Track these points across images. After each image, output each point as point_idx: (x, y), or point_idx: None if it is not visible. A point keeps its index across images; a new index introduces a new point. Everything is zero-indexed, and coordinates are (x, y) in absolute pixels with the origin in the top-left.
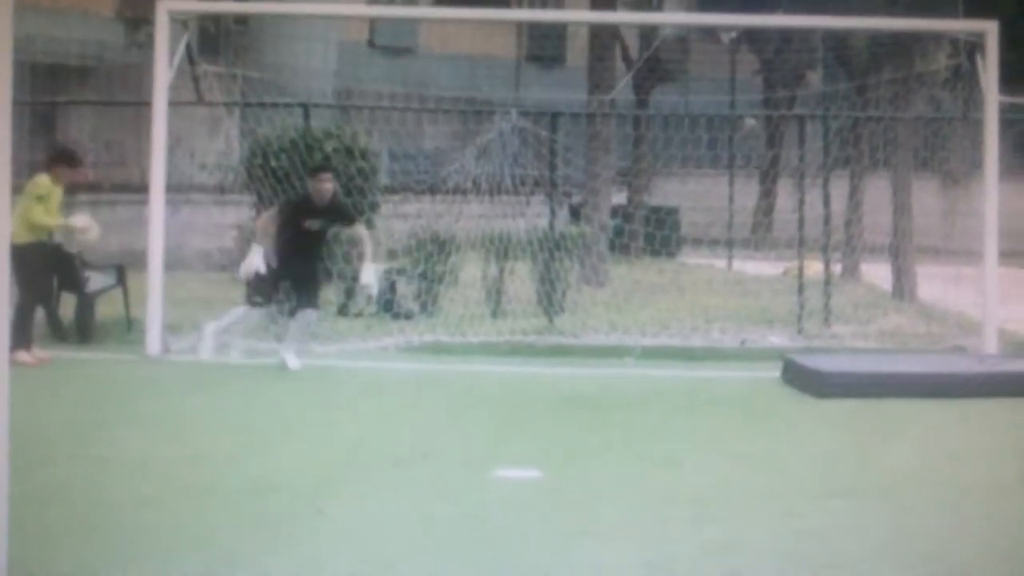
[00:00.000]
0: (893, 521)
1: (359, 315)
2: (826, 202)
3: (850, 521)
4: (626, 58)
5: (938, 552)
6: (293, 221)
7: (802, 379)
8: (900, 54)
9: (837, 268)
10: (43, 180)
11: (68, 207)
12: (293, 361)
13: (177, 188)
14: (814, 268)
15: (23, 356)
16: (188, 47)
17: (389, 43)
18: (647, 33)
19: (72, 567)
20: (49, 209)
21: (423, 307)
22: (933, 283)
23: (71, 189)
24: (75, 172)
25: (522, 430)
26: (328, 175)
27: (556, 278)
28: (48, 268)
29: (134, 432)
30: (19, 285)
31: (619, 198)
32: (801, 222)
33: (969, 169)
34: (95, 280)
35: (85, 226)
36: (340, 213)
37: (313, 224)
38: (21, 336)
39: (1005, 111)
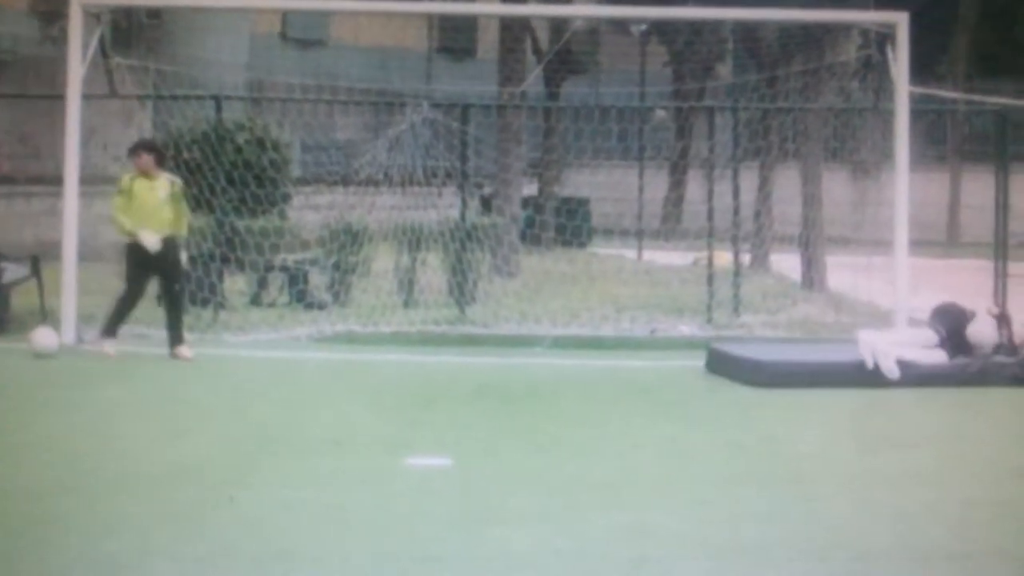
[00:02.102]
0: (802, 508)
1: (271, 305)
2: (736, 193)
3: (759, 508)
4: (537, 50)
5: (844, 540)
6: None
7: (731, 368)
8: (810, 45)
9: (746, 258)
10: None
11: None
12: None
13: (91, 180)
14: (723, 258)
15: None
16: (101, 40)
17: (300, 35)
18: (558, 25)
19: None
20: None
21: (335, 297)
22: (843, 273)
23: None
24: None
25: (433, 418)
26: None
27: (468, 268)
28: None
29: (47, 420)
30: None
31: (530, 189)
32: (711, 213)
33: (879, 159)
34: (10, 271)
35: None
36: None
37: None
38: None
39: (915, 101)
